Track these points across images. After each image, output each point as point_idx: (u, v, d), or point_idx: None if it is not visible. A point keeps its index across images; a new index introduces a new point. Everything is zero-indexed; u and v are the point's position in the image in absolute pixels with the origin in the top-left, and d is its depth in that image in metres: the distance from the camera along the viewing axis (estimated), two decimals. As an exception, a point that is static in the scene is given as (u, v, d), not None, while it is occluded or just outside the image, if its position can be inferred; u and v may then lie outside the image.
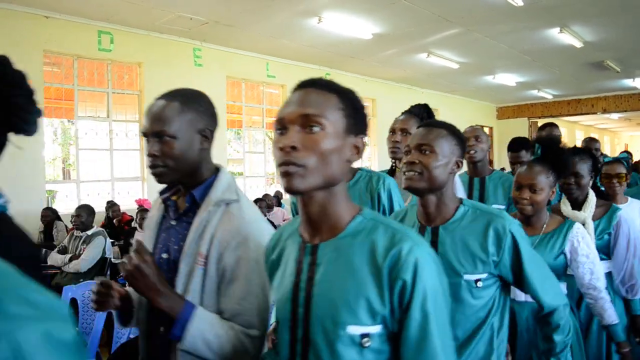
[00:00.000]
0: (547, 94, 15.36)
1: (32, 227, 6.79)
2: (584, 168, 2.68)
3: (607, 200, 2.77)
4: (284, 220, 8.01)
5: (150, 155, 1.43)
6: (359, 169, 2.30)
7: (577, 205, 2.69)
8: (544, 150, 2.26)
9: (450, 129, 1.65)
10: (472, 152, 3.16)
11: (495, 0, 7.13)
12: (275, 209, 8.53)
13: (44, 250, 5.91)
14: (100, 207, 7.02)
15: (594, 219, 2.64)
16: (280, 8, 7.27)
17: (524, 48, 9.82)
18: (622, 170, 3.16)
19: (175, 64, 8.47)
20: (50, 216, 6.58)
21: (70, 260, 5.10)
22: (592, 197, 2.66)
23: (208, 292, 1.41)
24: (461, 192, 2.48)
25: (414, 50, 9.84)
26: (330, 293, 1.03)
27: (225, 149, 9.65)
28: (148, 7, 7.07)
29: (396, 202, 2.21)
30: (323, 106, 1.02)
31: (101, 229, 5.60)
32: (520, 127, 16.44)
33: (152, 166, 1.44)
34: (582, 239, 2.18)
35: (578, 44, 9.29)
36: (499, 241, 1.52)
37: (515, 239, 1.52)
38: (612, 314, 2.27)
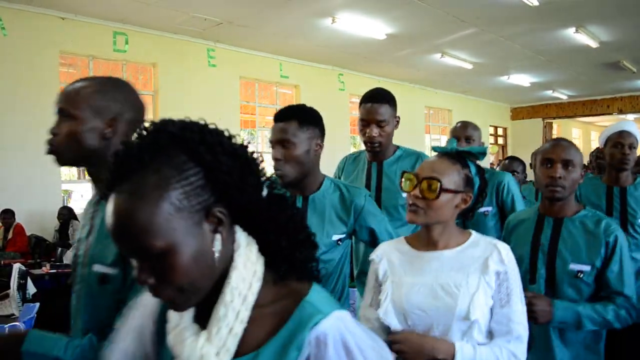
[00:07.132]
0: (562, 95, 15.20)
1: (49, 225, 6.87)
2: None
3: None
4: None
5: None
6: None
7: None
8: None
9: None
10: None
11: (510, 0, 7.09)
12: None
13: (59, 249, 5.98)
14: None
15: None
16: (294, 8, 7.28)
17: (539, 48, 9.73)
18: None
19: (189, 65, 8.52)
20: (66, 215, 6.68)
21: (86, 259, 5.14)
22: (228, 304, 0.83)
23: None
24: None
25: (428, 51, 9.80)
26: None
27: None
28: (162, 8, 7.11)
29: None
30: None
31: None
32: (535, 128, 16.30)
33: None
34: None
35: (594, 44, 9.18)
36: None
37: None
38: None
